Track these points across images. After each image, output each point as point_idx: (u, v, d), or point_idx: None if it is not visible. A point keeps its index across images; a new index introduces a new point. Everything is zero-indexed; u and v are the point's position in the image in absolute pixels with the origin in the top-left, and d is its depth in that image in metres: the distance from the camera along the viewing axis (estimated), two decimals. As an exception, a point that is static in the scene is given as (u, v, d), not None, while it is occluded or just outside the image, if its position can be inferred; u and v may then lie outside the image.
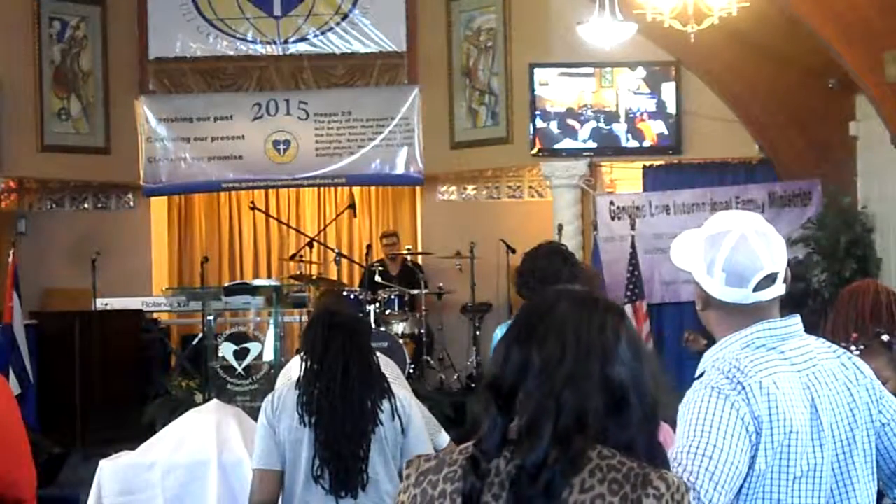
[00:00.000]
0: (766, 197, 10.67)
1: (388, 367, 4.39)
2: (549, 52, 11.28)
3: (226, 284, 10.42)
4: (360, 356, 4.01)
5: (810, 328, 2.65)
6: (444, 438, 4.70)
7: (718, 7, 8.21)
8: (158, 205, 12.88)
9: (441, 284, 11.56)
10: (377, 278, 11.09)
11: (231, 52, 12.49)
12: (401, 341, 10.23)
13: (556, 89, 11.23)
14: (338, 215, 12.37)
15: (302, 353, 4.08)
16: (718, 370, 2.48)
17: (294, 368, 4.40)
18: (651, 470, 1.84)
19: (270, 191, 12.95)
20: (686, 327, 7.81)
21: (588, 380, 1.85)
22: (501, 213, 12.30)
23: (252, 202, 12.34)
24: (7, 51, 11.53)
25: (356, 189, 12.61)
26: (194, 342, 10.70)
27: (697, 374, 2.54)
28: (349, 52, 12.43)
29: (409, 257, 11.90)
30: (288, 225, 12.87)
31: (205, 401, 7.76)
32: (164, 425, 6.30)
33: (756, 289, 2.52)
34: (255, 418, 4.29)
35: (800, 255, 9.13)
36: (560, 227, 10.82)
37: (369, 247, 11.68)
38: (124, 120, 12.21)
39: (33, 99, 11.68)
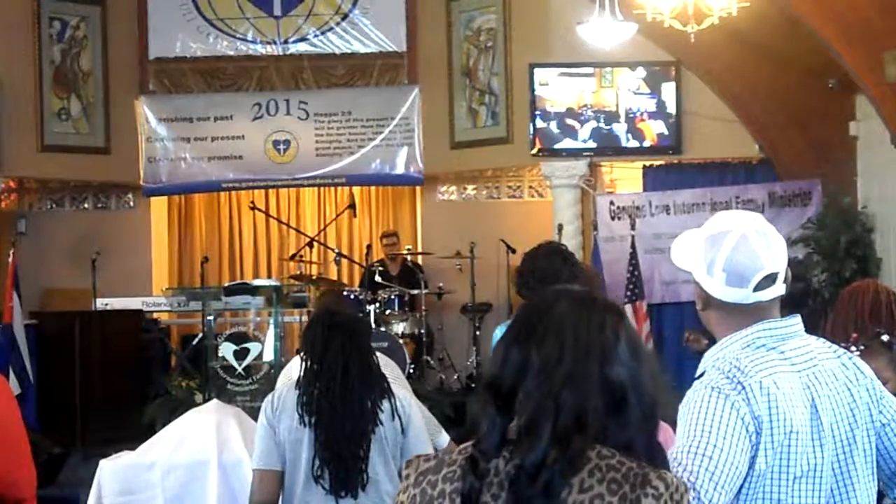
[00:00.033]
0: (766, 197, 10.67)
1: (388, 367, 4.39)
2: (549, 52, 11.28)
3: (226, 284, 10.42)
4: (360, 356, 4.01)
5: (810, 328, 2.65)
6: (445, 438, 4.69)
7: (718, 7, 8.21)
8: (158, 205, 12.88)
9: (441, 284, 11.56)
10: (377, 278, 11.09)
11: (231, 52, 12.49)
12: (401, 341, 10.23)
13: (556, 89, 11.23)
14: (338, 215, 12.37)
15: (302, 353, 4.08)
16: (719, 370, 2.48)
17: (294, 368, 4.39)
18: (650, 470, 1.84)
19: (270, 191, 12.95)
20: (686, 327, 7.80)
21: (587, 380, 1.85)
22: (501, 213, 12.30)
23: (252, 202, 12.34)
24: (7, 51, 11.53)
25: (356, 189, 12.61)
26: (194, 342, 10.70)
27: (698, 373, 2.54)
28: (349, 52, 12.43)
29: (409, 257, 11.90)
30: (288, 225, 12.87)
31: (205, 401, 7.76)
32: (164, 425, 6.30)
33: (756, 289, 2.52)
34: (255, 418, 4.29)
35: (800, 255, 9.12)
36: (560, 227, 10.82)
37: (369, 247, 11.68)
38: (124, 120, 12.21)
39: (33, 99, 11.68)
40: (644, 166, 11.39)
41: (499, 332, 4.72)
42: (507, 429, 1.87)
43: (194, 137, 12.34)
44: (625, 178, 11.89)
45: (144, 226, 12.73)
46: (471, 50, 12.08)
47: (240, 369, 9.11)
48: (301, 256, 11.44)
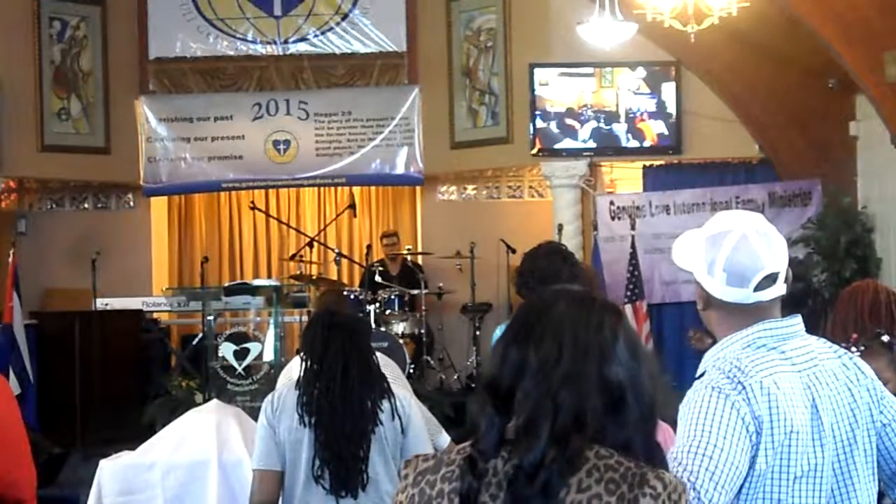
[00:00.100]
0: (766, 197, 10.67)
1: (388, 367, 4.39)
2: (549, 52, 11.28)
3: (226, 284, 10.43)
4: (360, 356, 4.01)
5: (810, 328, 2.65)
6: (445, 439, 4.69)
7: (718, 7, 8.21)
8: (158, 205, 12.88)
9: (441, 284, 11.56)
10: (377, 278, 11.09)
11: (231, 52, 12.49)
12: (401, 341, 10.23)
13: (556, 89, 11.23)
14: (338, 215, 12.37)
15: (302, 353, 4.08)
16: (719, 370, 2.48)
17: (294, 368, 4.39)
18: (648, 469, 1.84)
19: (270, 191, 12.94)
20: (686, 327, 7.80)
21: (585, 380, 1.85)
22: (501, 213, 12.30)
23: (252, 202, 12.34)
24: (7, 51, 11.53)
25: (356, 189, 12.60)
26: (194, 342, 10.70)
27: (698, 373, 2.54)
28: (349, 52, 12.43)
29: (409, 257, 11.90)
30: (288, 225, 12.87)
31: (205, 401, 7.76)
32: (164, 425, 6.29)
33: (757, 288, 2.51)
34: (255, 418, 4.29)
35: (800, 255, 9.12)
36: (560, 227, 10.81)
37: (369, 247, 11.67)
38: (124, 120, 12.21)
39: (33, 99, 11.68)
40: (644, 166, 11.39)
41: (499, 332, 4.70)
42: (505, 429, 1.86)
43: (194, 137, 12.34)
44: (625, 178, 11.88)
45: (144, 226, 12.73)
46: (471, 50, 12.08)
47: (240, 369, 9.11)
48: (301, 256, 11.44)
